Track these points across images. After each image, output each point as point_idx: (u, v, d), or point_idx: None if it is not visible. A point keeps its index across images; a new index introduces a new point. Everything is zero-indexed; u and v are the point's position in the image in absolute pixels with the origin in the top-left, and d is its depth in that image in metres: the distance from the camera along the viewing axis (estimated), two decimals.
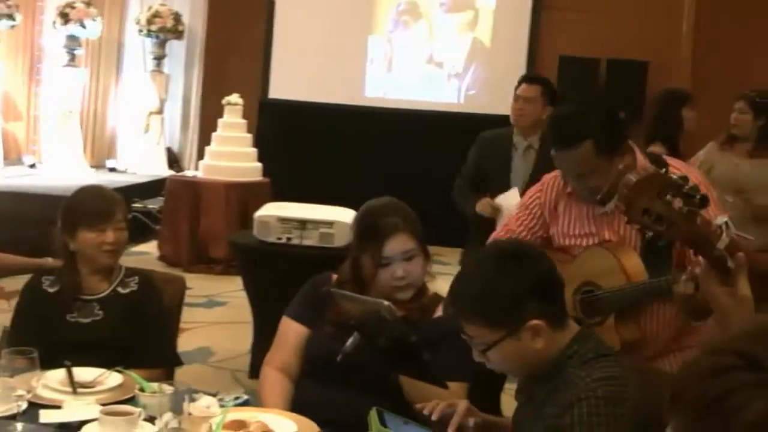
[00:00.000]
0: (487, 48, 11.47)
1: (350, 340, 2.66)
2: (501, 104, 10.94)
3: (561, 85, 10.43)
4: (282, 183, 9.86)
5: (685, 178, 1.99)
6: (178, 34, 11.22)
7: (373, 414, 2.43)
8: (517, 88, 5.25)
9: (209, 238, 8.71)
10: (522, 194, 4.68)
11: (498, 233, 3.32)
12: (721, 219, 1.98)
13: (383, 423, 2.40)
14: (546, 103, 5.14)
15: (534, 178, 4.82)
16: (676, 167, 2.92)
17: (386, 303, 2.52)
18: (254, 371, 5.55)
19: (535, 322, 2.16)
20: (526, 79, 5.35)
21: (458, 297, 2.25)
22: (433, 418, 2.39)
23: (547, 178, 3.20)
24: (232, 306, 7.37)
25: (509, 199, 4.82)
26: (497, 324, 2.17)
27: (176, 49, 11.54)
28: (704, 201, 1.97)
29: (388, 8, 11.45)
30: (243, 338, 6.05)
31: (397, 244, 2.89)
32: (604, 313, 2.88)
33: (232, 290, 7.78)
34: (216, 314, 7.12)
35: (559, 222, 3.11)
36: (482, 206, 4.96)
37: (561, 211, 3.11)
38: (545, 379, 2.21)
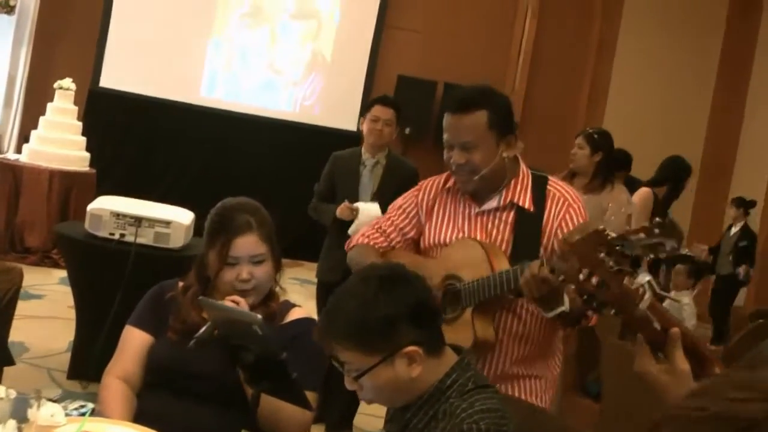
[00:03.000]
0: (327, 61, 11.45)
1: (204, 328, 2.55)
2: (336, 118, 11.06)
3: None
4: (107, 176, 9.55)
5: (622, 237, 1.99)
6: (8, 9, 10.65)
7: None
8: (370, 107, 5.44)
9: (27, 225, 8.33)
10: None
11: (366, 233, 3.24)
12: (643, 277, 1.98)
13: None
14: (397, 125, 5.45)
15: (380, 190, 5.20)
16: (563, 189, 2.98)
17: (259, 317, 2.42)
18: (74, 371, 5.31)
19: (410, 348, 2.11)
20: (383, 100, 5.54)
21: (332, 319, 2.16)
22: None
23: (427, 180, 3.19)
24: (50, 300, 7.02)
25: (370, 209, 5.08)
26: (371, 349, 2.10)
27: (5, 24, 10.95)
28: (637, 261, 1.98)
29: (231, 10, 11.26)
30: (61, 335, 5.77)
31: (246, 245, 2.79)
32: (462, 305, 2.83)
33: (50, 283, 7.45)
34: (32, 307, 6.74)
35: (433, 220, 3.09)
36: (341, 210, 5.16)
37: (436, 209, 3.10)
38: (422, 408, 2.16)
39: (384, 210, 3.52)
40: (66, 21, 10.81)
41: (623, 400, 3.88)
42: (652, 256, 2.12)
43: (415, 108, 10.55)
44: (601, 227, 2.06)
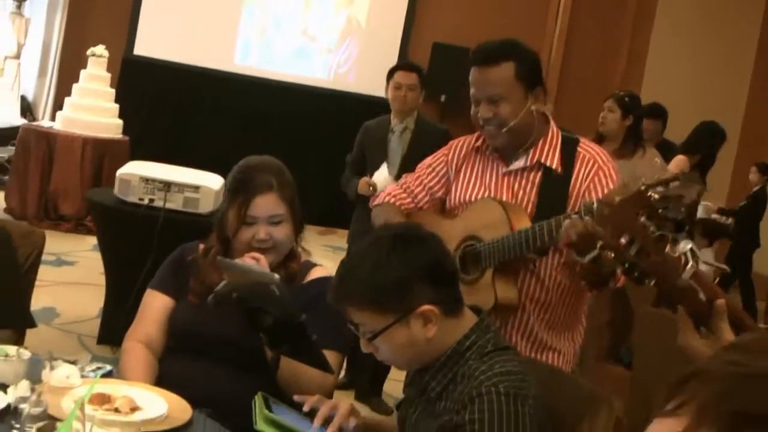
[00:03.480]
0: (362, 27, 11.35)
1: (221, 284, 2.49)
2: (369, 85, 10.96)
3: (432, 72, 10.50)
4: (140, 144, 9.55)
5: (666, 199, 1.90)
6: None
7: (258, 398, 2.29)
8: (392, 73, 5.40)
9: (60, 193, 8.34)
10: (399, 171, 5.01)
11: (391, 191, 3.18)
12: (685, 244, 1.87)
13: (269, 408, 2.26)
14: (423, 87, 5.38)
15: (409, 155, 5.10)
16: (593, 150, 2.89)
17: (276, 277, 2.36)
18: (104, 337, 5.31)
19: (426, 307, 2.04)
20: (404, 66, 5.53)
21: (344, 280, 2.10)
22: (305, 409, 2.26)
23: (458, 140, 3.12)
24: (82, 266, 7.04)
25: (379, 175, 5.15)
26: (385, 309, 2.04)
27: None
28: (681, 225, 1.88)
29: None
30: (92, 301, 5.77)
31: (266, 204, 2.73)
32: (483, 266, 2.76)
33: (83, 249, 7.47)
34: (64, 273, 6.78)
35: (461, 179, 3.02)
36: (361, 187, 5.18)
37: (465, 168, 3.02)
38: (440, 370, 2.09)
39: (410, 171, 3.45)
40: None
41: (655, 368, 3.80)
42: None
43: (451, 75, 10.43)
44: (644, 188, 1.96)
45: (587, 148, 2.90)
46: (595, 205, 2.37)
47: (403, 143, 5.30)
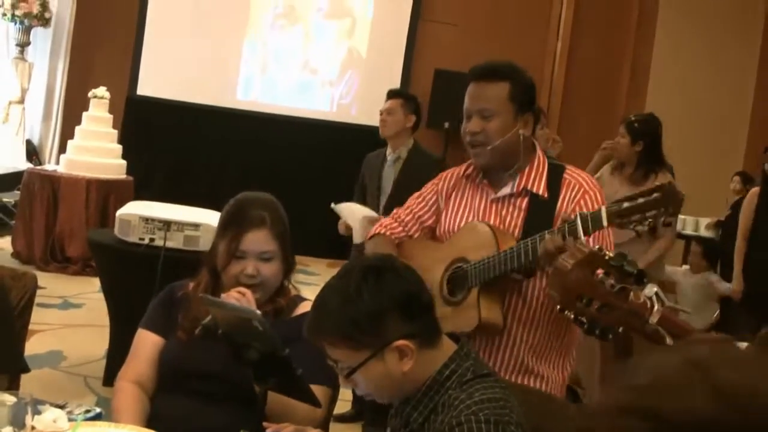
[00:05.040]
0: (363, 57, 11.39)
1: (209, 316, 2.50)
2: (372, 115, 10.89)
3: (435, 99, 10.52)
4: (146, 183, 9.59)
5: (621, 255, 1.93)
6: (44, 22, 10.74)
7: None
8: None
9: (66, 235, 8.35)
10: (389, 200, 5.17)
11: (384, 223, 3.25)
12: (650, 289, 1.89)
13: None
14: (408, 112, 5.48)
15: (401, 183, 5.22)
16: (580, 176, 2.94)
17: (259, 313, 2.35)
18: (109, 378, 5.28)
19: (400, 342, 2.02)
20: (387, 95, 5.68)
21: (316, 317, 2.09)
22: None
23: (449, 170, 3.18)
24: (89, 308, 7.04)
25: (348, 214, 5.25)
26: (359, 344, 2.02)
27: (42, 36, 11.04)
28: (640, 277, 1.91)
29: (264, 11, 11.24)
30: (99, 343, 5.76)
31: (257, 240, 2.75)
32: (469, 286, 2.78)
33: (89, 291, 7.46)
34: (70, 316, 6.77)
35: (450, 206, 3.07)
36: (340, 229, 5.38)
37: (454, 196, 3.08)
38: (421, 401, 2.07)
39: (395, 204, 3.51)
40: (102, 31, 10.88)
41: None
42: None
43: (454, 101, 10.41)
44: (597, 247, 2.01)
45: (573, 174, 2.95)
46: (578, 221, 2.40)
47: (395, 172, 5.40)
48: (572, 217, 2.50)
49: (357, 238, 5.10)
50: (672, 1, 11.43)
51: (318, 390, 2.50)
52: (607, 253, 1.96)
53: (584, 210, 2.75)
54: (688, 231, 9.76)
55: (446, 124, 10.37)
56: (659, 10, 11.44)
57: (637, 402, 1.02)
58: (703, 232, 9.73)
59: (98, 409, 2.54)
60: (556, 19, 11.50)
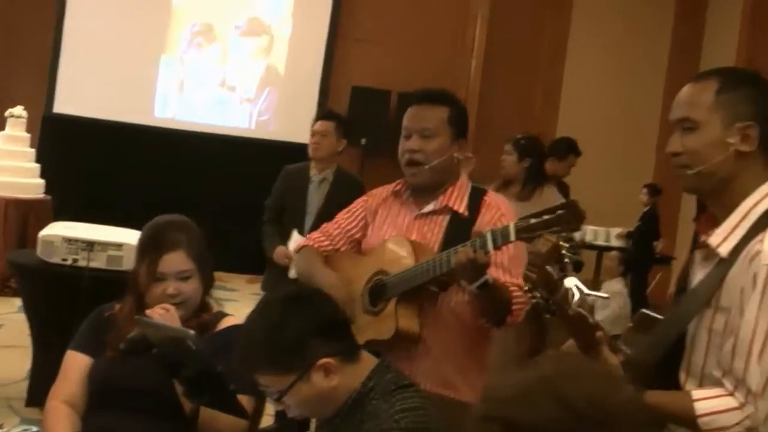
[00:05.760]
0: (281, 75, 11.48)
1: (133, 333, 2.63)
2: (292, 131, 11.06)
3: (352, 116, 10.65)
4: (65, 202, 9.50)
5: (573, 246, 2.19)
6: None
7: None
8: (314, 124, 5.59)
9: None
10: (315, 222, 5.15)
11: (312, 236, 3.40)
12: (570, 281, 2.11)
13: None
14: (340, 137, 5.55)
15: (326, 208, 5.21)
16: (499, 200, 3.18)
17: (192, 332, 2.47)
18: (32, 399, 5.29)
19: (324, 360, 2.18)
20: (321, 115, 5.72)
21: (246, 350, 2.26)
22: None
23: (379, 188, 3.36)
24: (8, 329, 7.01)
25: (293, 244, 5.16)
26: (285, 369, 2.18)
27: None
28: (579, 265, 2.15)
29: (182, 28, 11.26)
30: (19, 364, 5.76)
31: (174, 262, 2.88)
32: (387, 297, 2.95)
33: (8, 312, 7.43)
34: None
35: (376, 221, 3.25)
36: (278, 256, 5.33)
37: (381, 212, 3.26)
38: (348, 413, 2.22)
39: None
40: (17, 49, 10.76)
41: None
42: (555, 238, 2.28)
43: (371, 118, 10.61)
44: (560, 241, 2.24)
45: (494, 197, 3.17)
46: (488, 235, 2.62)
47: (321, 194, 5.45)
48: (483, 231, 2.69)
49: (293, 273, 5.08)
50: (582, 22, 11.77)
51: (243, 399, 2.62)
52: (563, 245, 2.19)
53: None
54: (600, 242, 10.07)
55: (363, 140, 10.50)
56: (570, 31, 11.77)
57: (498, 412, 1.24)
58: (614, 242, 10.07)
59: (35, 428, 2.62)
60: (471, 38, 11.72)
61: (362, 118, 10.46)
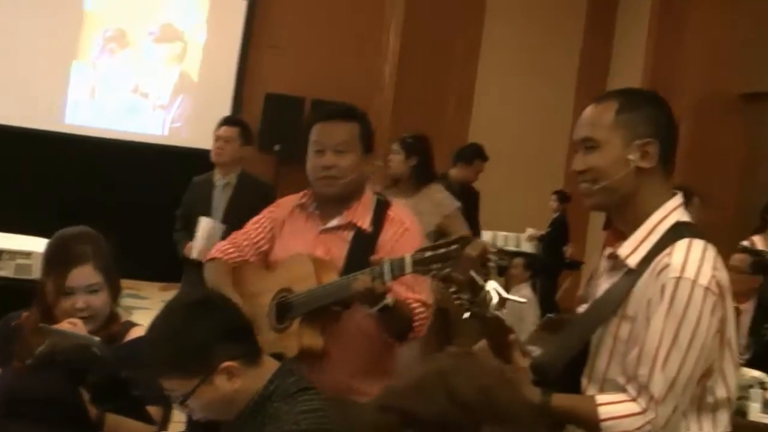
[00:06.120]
0: (195, 81, 11.43)
1: (42, 347, 2.61)
2: (205, 138, 10.86)
3: (265, 123, 10.64)
4: None
5: (501, 252, 2.32)
6: None
7: None
8: (217, 129, 5.68)
9: None
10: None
11: (221, 247, 3.41)
12: (489, 284, 2.20)
13: None
14: (243, 143, 5.65)
15: (230, 210, 5.35)
16: (402, 213, 3.23)
17: (97, 339, 2.49)
18: None
19: (227, 363, 2.23)
20: (225, 121, 5.81)
21: (147, 352, 2.30)
22: None
23: (286, 198, 3.38)
24: None
25: (201, 230, 5.31)
26: (189, 373, 2.23)
27: None
28: (502, 271, 2.28)
29: (94, 34, 11.12)
30: None
31: (82, 275, 2.87)
32: (292, 315, 2.99)
33: None
34: None
35: (283, 234, 3.27)
36: (188, 250, 5.39)
37: (287, 225, 3.28)
38: (251, 415, 2.28)
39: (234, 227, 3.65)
40: None
41: None
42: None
43: (284, 125, 10.61)
44: (487, 245, 2.39)
45: (397, 211, 3.21)
46: (387, 266, 2.70)
47: (225, 198, 5.52)
48: (382, 260, 2.76)
49: (194, 253, 5.20)
50: (495, 29, 11.92)
51: (152, 408, 2.64)
52: (490, 250, 2.34)
53: (406, 248, 2.93)
54: (510, 247, 10.22)
55: (277, 147, 10.50)
56: (483, 36, 11.91)
57: (394, 402, 1.33)
58: (524, 246, 10.24)
59: None
60: (385, 44, 11.79)
61: (276, 125, 10.48)
